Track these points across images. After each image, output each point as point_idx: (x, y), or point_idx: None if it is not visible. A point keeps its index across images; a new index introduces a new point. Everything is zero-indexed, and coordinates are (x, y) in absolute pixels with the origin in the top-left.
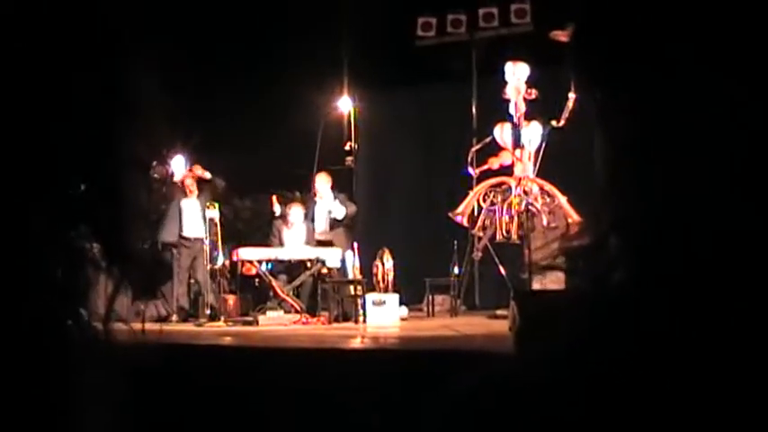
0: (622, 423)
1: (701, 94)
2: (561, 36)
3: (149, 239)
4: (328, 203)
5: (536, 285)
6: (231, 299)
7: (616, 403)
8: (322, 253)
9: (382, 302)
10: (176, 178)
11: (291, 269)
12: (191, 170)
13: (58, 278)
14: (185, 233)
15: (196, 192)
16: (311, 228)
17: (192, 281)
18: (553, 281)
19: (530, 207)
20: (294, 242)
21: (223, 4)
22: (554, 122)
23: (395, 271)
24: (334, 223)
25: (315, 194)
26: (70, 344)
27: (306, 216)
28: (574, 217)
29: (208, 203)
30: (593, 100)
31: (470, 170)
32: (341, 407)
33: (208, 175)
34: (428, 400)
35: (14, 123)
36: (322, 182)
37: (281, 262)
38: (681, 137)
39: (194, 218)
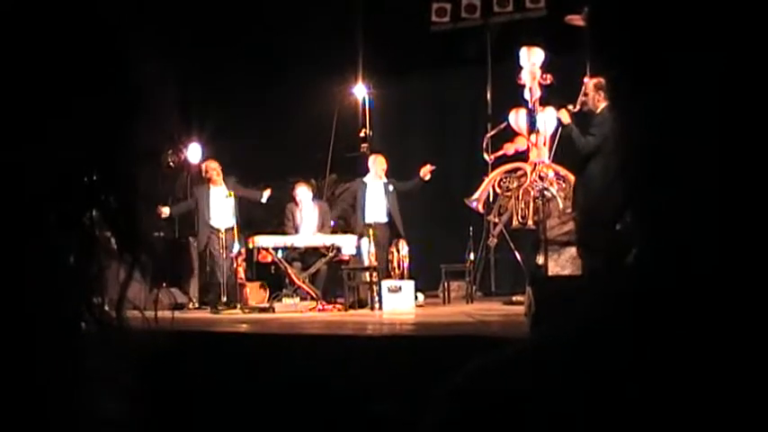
0: (635, 406)
1: (718, 75)
2: (576, 20)
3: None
4: (382, 185)
5: (552, 270)
6: (251, 286)
7: (629, 386)
8: (337, 240)
9: (398, 289)
10: (196, 165)
11: (306, 256)
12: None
13: (71, 264)
14: (214, 224)
15: (221, 181)
16: (324, 207)
17: (208, 268)
18: (568, 266)
19: (545, 192)
20: (308, 223)
21: None
22: (570, 106)
23: (410, 257)
24: (394, 204)
25: (377, 177)
26: (82, 330)
27: (317, 196)
28: None
29: (228, 193)
30: (608, 79)
31: (486, 156)
32: (357, 394)
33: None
34: (442, 385)
35: (24, 109)
36: (382, 164)
37: (296, 249)
38: (697, 118)
39: (222, 207)
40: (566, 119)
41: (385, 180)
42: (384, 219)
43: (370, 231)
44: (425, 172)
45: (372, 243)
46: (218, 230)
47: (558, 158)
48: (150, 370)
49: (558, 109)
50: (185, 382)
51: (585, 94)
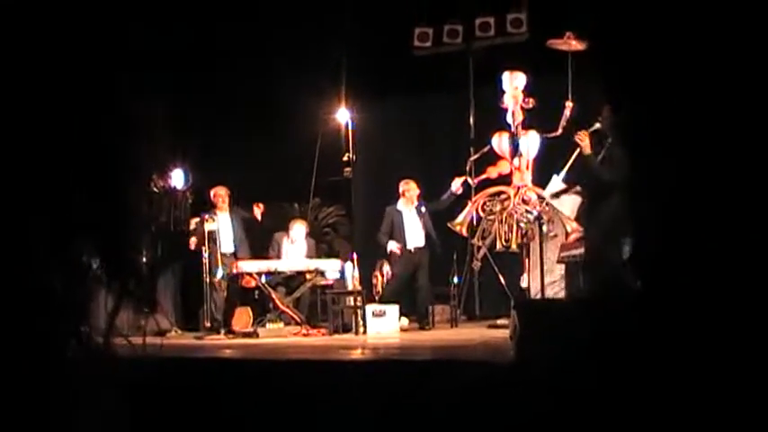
0: (620, 426)
1: (713, 97)
2: (558, 44)
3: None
4: (414, 208)
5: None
6: (239, 311)
7: (615, 407)
8: (321, 264)
9: (382, 313)
10: (180, 191)
11: (290, 281)
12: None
13: (59, 293)
14: (223, 250)
15: (227, 207)
16: (312, 244)
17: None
18: (552, 289)
19: (528, 215)
20: (294, 257)
21: (221, 14)
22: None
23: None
24: (429, 224)
25: (410, 202)
26: (71, 359)
27: (309, 234)
28: (572, 225)
29: (207, 217)
30: (607, 106)
31: (469, 180)
32: (343, 417)
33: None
34: (428, 409)
35: (17, 136)
36: (415, 189)
37: (280, 273)
38: (697, 141)
39: (227, 233)
40: (586, 147)
41: (416, 203)
42: (422, 242)
43: (354, 256)
44: (458, 186)
45: (356, 268)
46: (225, 255)
47: (540, 182)
48: (137, 396)
49: (574, 133)
50: (170, 409)
51: (603, 118)
